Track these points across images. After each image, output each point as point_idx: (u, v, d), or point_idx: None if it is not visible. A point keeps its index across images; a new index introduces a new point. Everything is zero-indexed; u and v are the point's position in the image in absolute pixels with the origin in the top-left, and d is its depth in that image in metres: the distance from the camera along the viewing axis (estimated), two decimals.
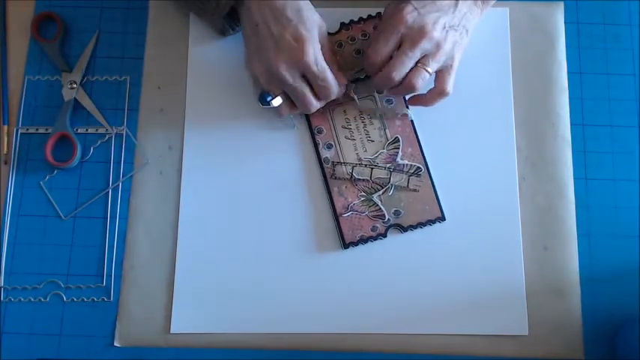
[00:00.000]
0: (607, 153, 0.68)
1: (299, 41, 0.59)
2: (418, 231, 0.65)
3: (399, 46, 0.61)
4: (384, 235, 0.65)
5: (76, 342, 0.63)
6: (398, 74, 0.61)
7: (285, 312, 0.63)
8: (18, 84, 0.69)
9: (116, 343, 0.63)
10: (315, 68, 0.60)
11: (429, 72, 0.62)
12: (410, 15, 0.60)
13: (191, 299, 0.63)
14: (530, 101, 0.69)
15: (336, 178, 0.66)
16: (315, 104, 0.63)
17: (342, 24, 0.69)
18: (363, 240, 0.64)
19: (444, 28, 0.61)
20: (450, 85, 0.63)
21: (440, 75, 0.63)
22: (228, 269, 0.64)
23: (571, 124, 0.68)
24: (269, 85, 0.63)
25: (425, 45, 0.60)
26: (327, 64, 0.62)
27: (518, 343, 0.63)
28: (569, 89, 0.69)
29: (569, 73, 0.70)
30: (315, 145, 0.67)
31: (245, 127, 0.68)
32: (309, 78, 0.61)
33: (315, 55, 0.60)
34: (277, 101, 0.63)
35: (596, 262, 0.65)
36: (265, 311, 0.63)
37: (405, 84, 0.62)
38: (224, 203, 0.66)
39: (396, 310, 0.64)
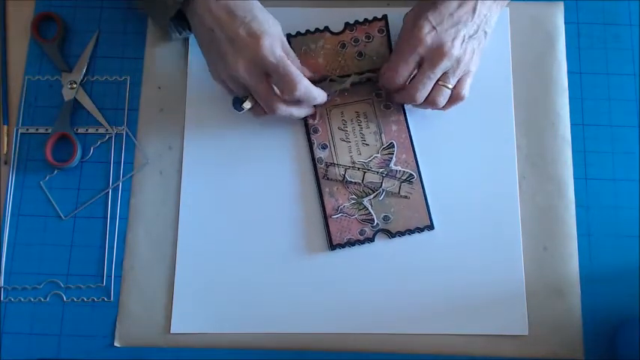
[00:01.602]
0: (607, 153, 0.68)
1: (253, 36, 0.58)
2: (412, 236, 0.65)
3: (418, 65, 0.62)
4: (373, 240, 0.65)
5: (76, 342, 0.63)
6: (421, 95, 0.62)
7: (285, 312, 0.63)
8: (18, 84, 0.69)
9: (116, 343, 0.63)
10: (272, 59, 0.58)
11: (449, 88, 0.62)
12: (428, 36, 0.60)
13: (191, 299, 0.63)
14: (530, 101, 0.69)
15: (328, 179, 0.66)
16: (283, 107, 0.62)
17: (347, 24, 0.69)
18: (351, 243, 0.64)
19: (463, 41, 0.61)
20: (467, 90, 0.64)
21: (458, 81, 0.63)
22: (228, 269, 0.64)
23: (571, 124, 0.68)
24: (237, 89, 0.62)
25: (445, 64, 0.61)
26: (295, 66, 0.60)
27: (518, 343, 0.63)
28: (569, 89, 0.69)
29: (569, 73, 0.70)
30: (310, 145, 0.67)
31: (245, 127, 0.67)
32: (270, 73, 0.60)
33: (271, 47, 0.58)
34: (247, 104, 0.62)
35: (596, 262, 0.65)
36: (265, 311, 0.63)
37: (428, 102, 0.63)
38: (224, 203, 0.66)
39: (397, 310, 0.64)
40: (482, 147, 0.67)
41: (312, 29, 0.68)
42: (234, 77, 0.60)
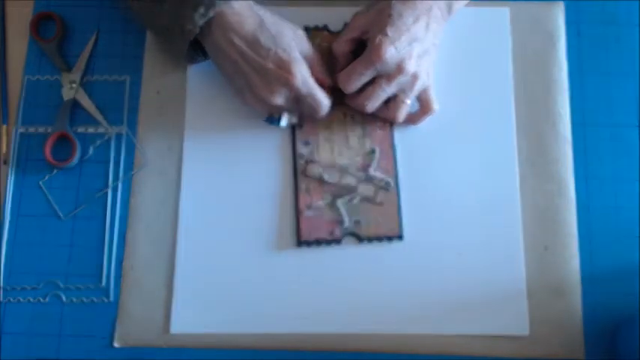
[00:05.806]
0: (607, 153, 0.68)
1: (283, 66, 0.59)
2: (381, 243, 0.65)
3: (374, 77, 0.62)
4: (340, 242, 0.64)
5: (75, 342, 0.63)
6: (371, 105, 0.63)
7: (285, 312, 0.63)
8: (17, 84, 0.69)
9: (116, 344, 0.63)
10: (304, 89, 0.61)
11: (408, 103, 0.64)
12: (388, 53, 0.60)
13: (191, 299, 0.63)
14: (530, 101, 0.69)
15: (306, 175, 0.66)
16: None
17: (346, 24, 0.68)
18: (318, 242, 0.64)
19: (419, 56, 0.61)
20: (435, 102, 0.65)
21: (422, 97, 0.65)
22: (228, 269, 0.64)
23: (571, 124, 0.68)
24: (269, 110, 0.64)
25: (401, 80, 0.61)
26: (318, 74, 0.62)
27: (518, 343, 0.63)
28: (569, 89, 0.69)
29: (569, 73, 0.70)
30: (294, 140, 0.67)
31: (245, 127, 0.67)
32: (298, 97, 0.62)
33: (302, 75, 0.60)
34: (285, 121, 0.64)
35: (596, 261, 0.65)
36: (266, 311, 0.63)
37: (389, 117, 0.65)
38: (224, 203, 0.66)
39: (398, 310, 0.63)
40: (482, 147, 0.67)
41: (311, 27, 0.69)
42: (268, 104, 0.62)
